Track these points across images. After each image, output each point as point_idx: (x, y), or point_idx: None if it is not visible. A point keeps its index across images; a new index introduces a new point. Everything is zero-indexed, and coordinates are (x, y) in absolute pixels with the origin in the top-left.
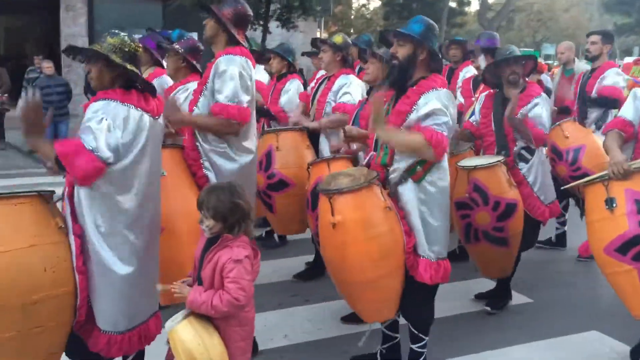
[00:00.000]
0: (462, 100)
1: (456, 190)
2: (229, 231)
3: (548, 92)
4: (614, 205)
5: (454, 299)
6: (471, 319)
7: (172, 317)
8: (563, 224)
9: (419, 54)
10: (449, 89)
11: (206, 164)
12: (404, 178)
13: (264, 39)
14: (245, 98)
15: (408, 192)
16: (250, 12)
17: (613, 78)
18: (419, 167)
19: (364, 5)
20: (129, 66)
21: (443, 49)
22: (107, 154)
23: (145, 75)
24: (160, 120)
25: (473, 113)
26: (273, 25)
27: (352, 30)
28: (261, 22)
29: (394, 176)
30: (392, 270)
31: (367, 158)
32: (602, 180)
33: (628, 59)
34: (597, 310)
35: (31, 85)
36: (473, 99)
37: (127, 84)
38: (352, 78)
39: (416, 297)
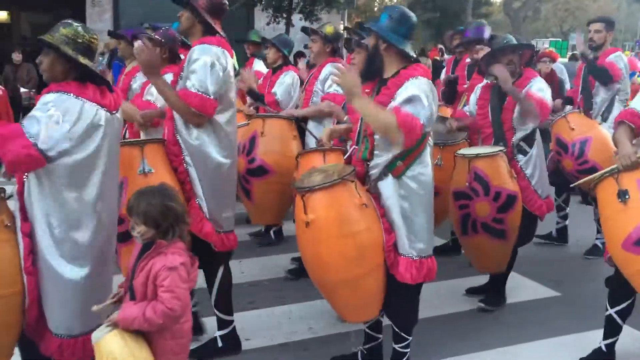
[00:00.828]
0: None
1: (455, 180)
2: (163, 237)
3: (561, 82)
4: (627, 197)
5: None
6: (486, 316)
7: (99, 327)
8: (564, 217)
9: (380, 45)
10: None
11: (187, 159)
12: (384, 174)
13: (287, 32)
14: (212, 89)
15: (388, 188)
16: (226, 1)
17: (615, 60)
18: (399, 161)
19: None
20: (81, 59)
21: (446, 39)
22: (46, 145)
23: (128, 69)
24: (119, 115)
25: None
26: (296, 18)
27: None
28: (284, 15)
29: (374, 172)
30: (370, 269)
31: (349, 152)
32: (612, 173)
33: None
34: None
35: None
36: (465, 85)
37: (83, 77)
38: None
39: (398, 297)
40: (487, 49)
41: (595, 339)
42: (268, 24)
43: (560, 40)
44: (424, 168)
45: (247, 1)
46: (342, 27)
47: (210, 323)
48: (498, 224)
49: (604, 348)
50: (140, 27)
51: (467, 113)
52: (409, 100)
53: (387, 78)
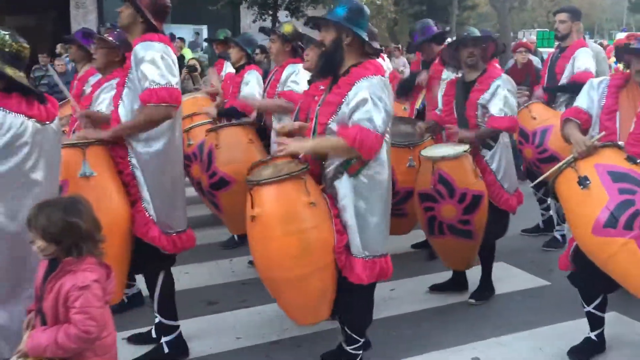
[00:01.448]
0: None
1: (419, 181)
2: (66, 254)
3: (538, 73)
4: (588, 182)
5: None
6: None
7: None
8: (547, 209)
9: (344, 39)
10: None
11: (133, 161)
12: (340, 172)
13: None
14: (173, 79)
15: (344, 186)
16: (169, 4)
17: (584, 61)
18: (354, 160)
19: None
20: (7, 69)
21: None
22: None
23: (81, 73)
24: (54, 125)
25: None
26: (282, 14)
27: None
28: (270, 12)
29: (329, 171)
30: (316, 269)
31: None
32: (569, 164)
33: (620, 35)
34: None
35: (39, 83)
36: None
37: (10, 87)
38: (300, 67)
39: (352, 298)
40: (435, 46)
41: (587, 327)
42: (254, 21)
43: (548, 30)
44: (380, 167)
45: None
46: None
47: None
48: (464, 225)
49: (593, 337)
50: (102, 27)
51: (439, 112)
52: (360, 105)
53: (339, 75)
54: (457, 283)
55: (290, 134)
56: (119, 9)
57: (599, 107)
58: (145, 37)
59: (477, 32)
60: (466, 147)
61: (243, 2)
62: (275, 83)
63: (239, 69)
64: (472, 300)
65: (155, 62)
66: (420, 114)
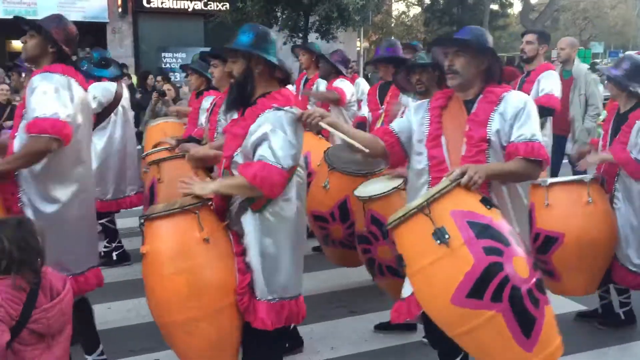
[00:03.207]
0: (367, 113)
1: (357, 222)
2: None
3: None
4: (447, 236)
5: None
6: None
7: None
8: None
9: (254, 67)
10: None
11: (24, 198)
12: (244, 207)
13: None
14: (62, 112)
15: (249, 223)
16: (77, 34)
17: (548, 83)
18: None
19: (404, 13)
20: None
21: None
22: None
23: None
24: None
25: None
26: (312, 37)
27: (392, 38)
28: (300, 35)
29: (234, 206)
30: (208, 313)
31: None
32: (420, 208)
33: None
34: None
35: None
36: (380, 111)
37: None
38: None
39: (255, 345)
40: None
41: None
42: (285, 44)
43: (583, 48)
44: (286, 203)
45: (264, 22)
46: (358, 44)
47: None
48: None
49: None
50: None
51: None
52: (263, 140)
53: (248, 105)
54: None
55: (202, 161)
56: (22, 38)
57: (421, 135)
58: (49, 68)
59: (425, 58)
60: (399, 182)
61: (274, 26)
62: (217, 109)
63: (199, 95)
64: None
65: (46, 93)
66: None
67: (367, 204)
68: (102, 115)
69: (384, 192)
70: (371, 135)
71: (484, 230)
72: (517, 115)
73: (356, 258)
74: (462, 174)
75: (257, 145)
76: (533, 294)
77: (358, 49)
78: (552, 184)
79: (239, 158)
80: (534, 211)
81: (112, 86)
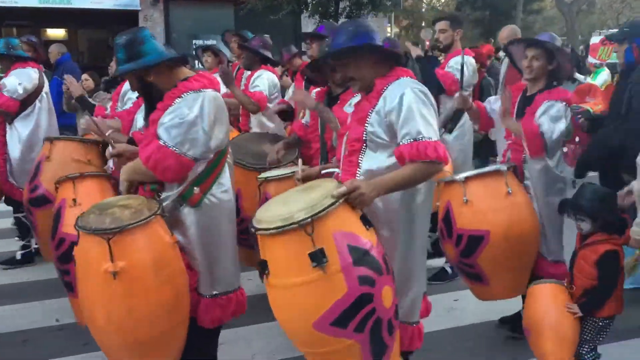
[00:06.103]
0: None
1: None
2: None
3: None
4: (325, 260)
5: None
6: None
7: None
8: None
9: (146, 78)
10: None
11: None
12: (179, 203)
13: None
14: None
15: (188, 219)
16: None
17: (453, 62)
18: (195, 188)
19: None
20: None
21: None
22: None
23: None
24: None
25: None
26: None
27: (423, 24)
28: (331, 21)
29: (167, 203)
30: (185, 316)
31: None
32: (301, 224)
33: (594, 40)
34: None
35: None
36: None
37: None
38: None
39: (196, 340)
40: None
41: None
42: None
43: None
44: (224, 193)
45: (294, 8)
46: (389, 30)
47: None
48: None
49: None
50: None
51: (305, 124)
52: (162, 123)
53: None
54: None
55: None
56: None
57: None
58: None
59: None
60: (303, 167)
61: (304, 12)
62: None
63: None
64: (511, 333)
65: None
66: None
67: (264, 185)
68: (26, 101)
69: (282, 174)
70: None
71: (362, 257)
72: (394, 112)
73: (247, 258)
74: (350, 192)
75: (158, 127)
76: (391, 322)
77: (388, 34)
78: (468, 179)
79: None
80: (452, 210)
81: (34, 72)
